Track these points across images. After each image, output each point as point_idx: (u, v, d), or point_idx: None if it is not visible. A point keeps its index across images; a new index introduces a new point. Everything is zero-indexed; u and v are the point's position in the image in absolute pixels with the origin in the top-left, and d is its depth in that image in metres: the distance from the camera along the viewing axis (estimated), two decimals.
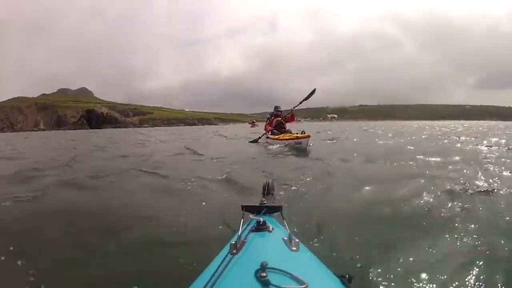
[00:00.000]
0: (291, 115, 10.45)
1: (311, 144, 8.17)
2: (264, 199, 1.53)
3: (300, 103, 10.38)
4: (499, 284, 1.55)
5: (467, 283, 1.56)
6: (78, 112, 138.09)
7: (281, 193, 3.20)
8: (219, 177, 4.16)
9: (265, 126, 10.65)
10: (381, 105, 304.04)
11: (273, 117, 10.35)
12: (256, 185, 2.25)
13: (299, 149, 7.66)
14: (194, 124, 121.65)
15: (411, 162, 5.03)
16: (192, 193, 3.51)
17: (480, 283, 1.55)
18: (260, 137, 10.37)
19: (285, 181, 3.81)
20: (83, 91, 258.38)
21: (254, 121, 41.23)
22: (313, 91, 10.46)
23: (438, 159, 5.24)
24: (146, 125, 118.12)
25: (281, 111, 10.51)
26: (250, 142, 10.52)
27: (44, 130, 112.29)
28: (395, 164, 4.99)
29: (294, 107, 10.37)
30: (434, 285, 1.57)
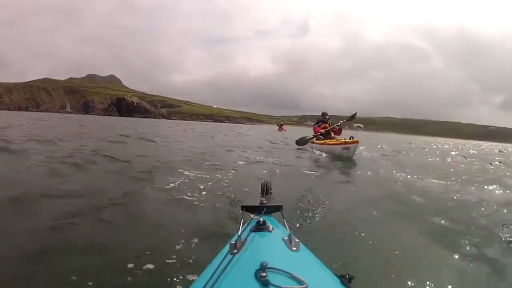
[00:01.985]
0: (339, 128, 9.34)
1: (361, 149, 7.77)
2: (264, 198, 1.52)
3: (343, 121, 9.49)
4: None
5: (466, 283, 1.60)
6: (106, 98, 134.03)
7: (283, 192, 3.20)
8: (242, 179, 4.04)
9: (314, 128, 9.85)
10: (407, 118, 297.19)
11: (320, 123, 9.64)
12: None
13: (345, 155, 7.12)
14: (222, 121, 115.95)
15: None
16: (200, 191, 3.36)
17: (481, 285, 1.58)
18: (308, 138, 9.54)
19: (290, 181, 3.96)
20: (112, 78, 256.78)
21: (282, 123, 35.16)
22: (354, 115, 9.70)
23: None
24: (174, 118, 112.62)
25: (328, 118, 9.76)
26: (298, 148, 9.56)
27: (70, 113, 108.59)
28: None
29: (341, 122, 9.42)
30: (434, 285, 1.59)
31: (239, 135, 18.24)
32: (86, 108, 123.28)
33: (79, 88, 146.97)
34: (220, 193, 3.27)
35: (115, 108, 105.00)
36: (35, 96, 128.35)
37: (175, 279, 1.59)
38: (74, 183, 3.36)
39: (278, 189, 2.19)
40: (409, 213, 2.71)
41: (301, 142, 9.71)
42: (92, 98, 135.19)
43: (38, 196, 2.78)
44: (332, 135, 9.24)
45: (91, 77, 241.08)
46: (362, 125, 10.65)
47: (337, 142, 7.77)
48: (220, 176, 4.14)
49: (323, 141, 8.67)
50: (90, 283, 1.58)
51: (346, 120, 9.60)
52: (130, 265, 1.77)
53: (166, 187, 3.42)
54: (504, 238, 2.26)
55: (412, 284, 1.57)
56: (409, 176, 4.86)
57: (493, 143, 70.99)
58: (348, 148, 7.17)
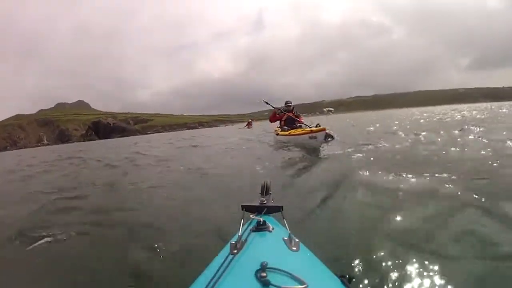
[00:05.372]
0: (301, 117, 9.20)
1: (329, 139, 7.06)
2: (264, 199, 1.55)
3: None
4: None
5: (467, 282, 1.57)
6: (79, 124, 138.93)
7: (282, 192, 3.22)
8: (220, 177, 4.27)
9: (269, 117, 9.73)
10: (377, 94, 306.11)
11: (283, 112, 9.29)
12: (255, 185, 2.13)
13: (313, 145, 6.58)
14: (195, 128, 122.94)
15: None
16: (193, 192, 3.58)
17: (480, 282, 1.57)
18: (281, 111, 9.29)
19: (286, 180, 3.86)
20: (81, 104, 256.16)
21: (250, 120, 36.95)
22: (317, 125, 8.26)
23: None
24: (150, 132, 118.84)
25: (292, 106, 9.40)
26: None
27: (48, 145, 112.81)
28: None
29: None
30: (434, 285, 1.58)
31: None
32: (62, 138, 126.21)
33: (51, 118, 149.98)
34: (218, 193, 3.40)
35: (93, 132, 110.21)
36: (11, 134, 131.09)
37: (175, 279, 1.59)
38: None
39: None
40: (409, 212, 2.52)
41: (274, 117, 9.54)
42: (66, 126, 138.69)
43: None
44: (297, 124, 8.75)
45: (60, 106, 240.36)
46: (332, 109, 9.63)
47: (303, 131, 7.23)
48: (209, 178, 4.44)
49: (287, 132, 8.16)
50: (90, 280, 1.69)
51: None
52: (130, 265, 1.82)
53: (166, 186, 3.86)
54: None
55: (413, 284, 1.56)
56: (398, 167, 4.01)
57: (460, 105, 65.95)
58: (315, 137, 6.65)
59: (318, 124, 7.19)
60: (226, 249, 1.01)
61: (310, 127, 7.30)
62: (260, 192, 1.64)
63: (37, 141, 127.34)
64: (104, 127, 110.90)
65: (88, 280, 1.82)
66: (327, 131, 6.88)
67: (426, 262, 1.74)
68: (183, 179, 4.79)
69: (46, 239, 2.53)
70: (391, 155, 4.93)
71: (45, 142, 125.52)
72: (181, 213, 2.93)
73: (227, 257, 0.89)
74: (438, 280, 1.58)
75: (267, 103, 9.98)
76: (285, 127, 8.88)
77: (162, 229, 2.48)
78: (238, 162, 6.39)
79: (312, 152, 5.99)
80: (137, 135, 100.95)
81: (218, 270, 0.83)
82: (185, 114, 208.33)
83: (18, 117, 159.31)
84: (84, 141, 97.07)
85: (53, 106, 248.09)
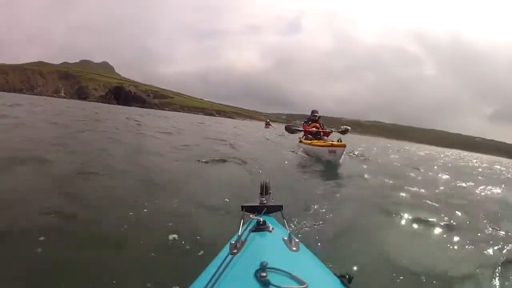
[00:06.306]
0: (329, 132, 9.30)
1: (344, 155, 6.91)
2: (264, 198, 1.53)
3: (333, 130, 9.50)
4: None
5: (464, 283, 1.61)
6: (100, 85, 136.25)
7: (282, 192, 3.19)
8: (233, 177, 4.22)
9: (303, 125, 9.70)
10: (396, 124, 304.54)
11: (310, 122, 9.45)
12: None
13: (332, 159, 6.71)
14: (213, 115, 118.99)
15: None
16: (196, 190, 3.41)
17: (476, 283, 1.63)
18: (296, 128, 9.74)
19: (287, 181, 4.01)
20: (105, 65, 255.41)
21: (268, 120, 38.05)
22: (346, 131, 9.69)
23: None
24: (167, 109, 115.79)
25: (318, 116, 9.55)
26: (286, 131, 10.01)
27: (64, 97, 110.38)
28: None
29: (332, 130, 9.42)
30: (433, 284, 1.59)
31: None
32: (80, 94, 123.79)
33: (74, 73, 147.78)
34: (219, 193, 3.36)
35: (113, 96, 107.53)
36: (30, 79, 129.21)
37: (174, 279, 1.59)
38: None
39: (276, 189, 2.21)
40: (408, 213, 2.66)
41: (290, 129, 9.75)
42: (87, 84, 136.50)
43: None
44: (321, 135, 9.02)
45: (85, 63, 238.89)
46: (349, 127, 9.93)
47: (324, 143, 7.30)
48: (215, 174, 4.35)
49: (310, 141, 8.21)
50: (88, 277, 1.62)
51: (338, 131, 9.52)
52: (130, 265, 1.80)
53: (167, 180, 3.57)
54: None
55: (412, 284, 1.58)
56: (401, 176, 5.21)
57: (474, 153, 72.23)
58: (334, 152, 6.69)
59: (340, 139, 7.15)
60: (226, 249, 1.01)
61: (331, 141, 7.40)
62: (259, 192, 1.63)
63: (54, 92, 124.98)
64: (125, 94, 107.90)
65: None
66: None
67: (425, 262, 1.77)
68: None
69: None
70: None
71: (62, 94, 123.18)
72: (181, 212, 2.83)
73: (226, 257, 0.90)
74: (437, 279, 1.62)
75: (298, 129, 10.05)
76: (309, 135, 9.02)
77: (162, 228, 2.36)
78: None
79: (326, 161, 6.45)
80: (154, 108, 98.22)
81: (217, 270, 0.83)
82: (205, 99, 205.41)
83: (40, 63, 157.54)
84: (102, 102, 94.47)
85: (77, 61, 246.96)
